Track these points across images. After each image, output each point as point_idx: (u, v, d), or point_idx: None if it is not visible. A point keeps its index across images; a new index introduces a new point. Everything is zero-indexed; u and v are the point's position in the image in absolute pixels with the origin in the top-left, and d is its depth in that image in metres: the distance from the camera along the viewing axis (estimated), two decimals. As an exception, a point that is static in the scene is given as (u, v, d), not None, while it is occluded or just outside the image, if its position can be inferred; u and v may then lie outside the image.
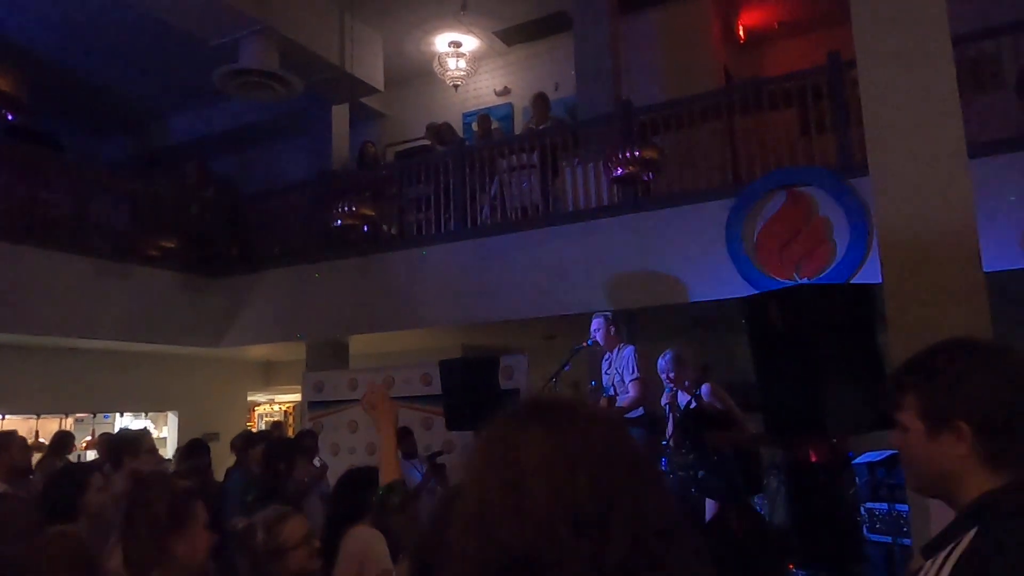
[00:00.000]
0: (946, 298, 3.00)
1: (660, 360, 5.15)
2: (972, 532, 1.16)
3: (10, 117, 4.91)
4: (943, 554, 1.17)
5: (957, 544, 1.16)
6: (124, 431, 7.53)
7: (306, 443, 6.43)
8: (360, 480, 3.17)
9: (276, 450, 5.12)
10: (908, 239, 3.11)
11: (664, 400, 5.27)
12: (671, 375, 5.08)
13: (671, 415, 5.19)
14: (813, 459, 4.02)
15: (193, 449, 5.72)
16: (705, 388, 4.99)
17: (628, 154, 5.90)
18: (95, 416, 9.63)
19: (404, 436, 6.67)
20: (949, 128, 3.12)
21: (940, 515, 1.36)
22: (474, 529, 0.87)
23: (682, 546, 0.88)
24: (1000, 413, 1.22)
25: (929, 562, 1.18)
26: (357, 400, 7.96)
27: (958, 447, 1.24)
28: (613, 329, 5.93)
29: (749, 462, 4.84)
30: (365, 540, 2.90)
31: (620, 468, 0.87)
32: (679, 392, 5.09)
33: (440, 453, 6.21)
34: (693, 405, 4.89)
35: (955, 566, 1.13)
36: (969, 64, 5.40)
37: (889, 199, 3.20)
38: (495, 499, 0.85)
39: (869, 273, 5.46)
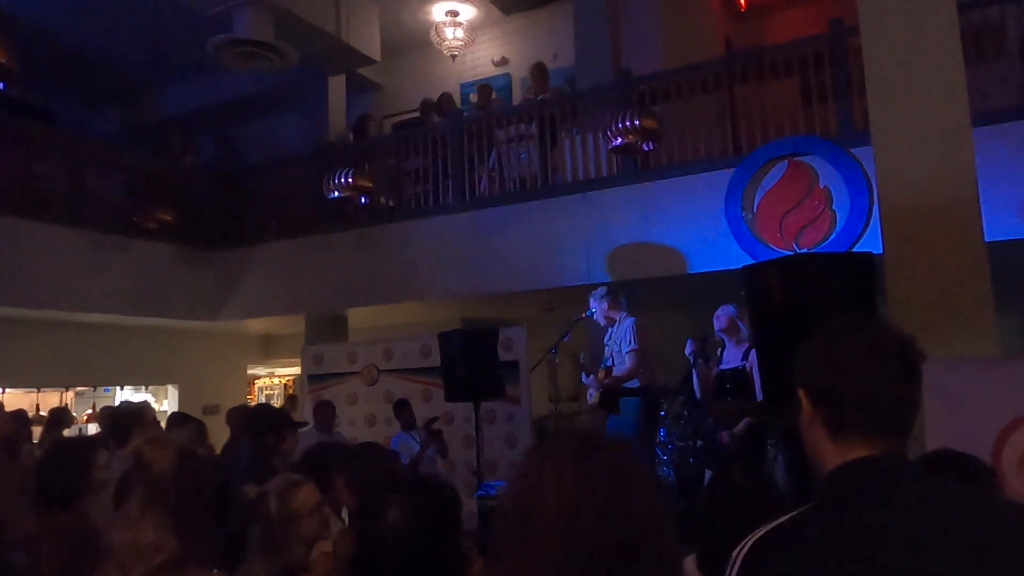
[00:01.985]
0: (947, 267, 2.99)
1: (721, 311, 5.18)
2: (802, 508, 1.15)
3: (1, 86, 4.84)
4: (762, 529, 1.15)
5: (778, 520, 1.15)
6: (126, 404, 7.54)
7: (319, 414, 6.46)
8: (323, 456, 3.16)
9: (261, 418, 4.88)
10: (909, 206, 3.09)
11: (688, 351, 5.34)
12: (726, 328, 5.14)
13: (696, 364, 5.27)
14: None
15: (185, 419, 5.69)
16: (755, 352, 5.06)
17: (627, 123, 5.84)
18: (96, 390, 9.66)
19: (403, 408, 6.71)
20: (953, 94, 3.09)
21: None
22: (518, 555, 1.05)
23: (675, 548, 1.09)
24: (825, 376, 1.19)
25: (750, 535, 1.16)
26: (356, 373, 8.01)
27: (806, 417, 1.22)
28: (613, 300, 5.93)
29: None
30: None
31: (641, 497, 1.05)
32: (725, 350, 5.17)
33: (436, 419, 6.23)
34: (742, 365, 4.93)
35: (752, 543, 1.13)
36: (972, 32, 5.33)
37: (891, 166, 3.17)
38: (544, 530, 1.02)
39: (869, 244, 5.43)
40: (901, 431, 1.18)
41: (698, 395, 5.47)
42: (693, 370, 5.54)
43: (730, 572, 1.12)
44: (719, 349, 5.42)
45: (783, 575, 1.06)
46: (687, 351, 5.58)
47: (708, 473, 4.70)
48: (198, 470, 1.86)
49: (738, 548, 1.13)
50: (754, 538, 1.12)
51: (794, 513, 1.14)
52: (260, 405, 9.20)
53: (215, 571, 1.86)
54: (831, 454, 1.18)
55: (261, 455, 4.06)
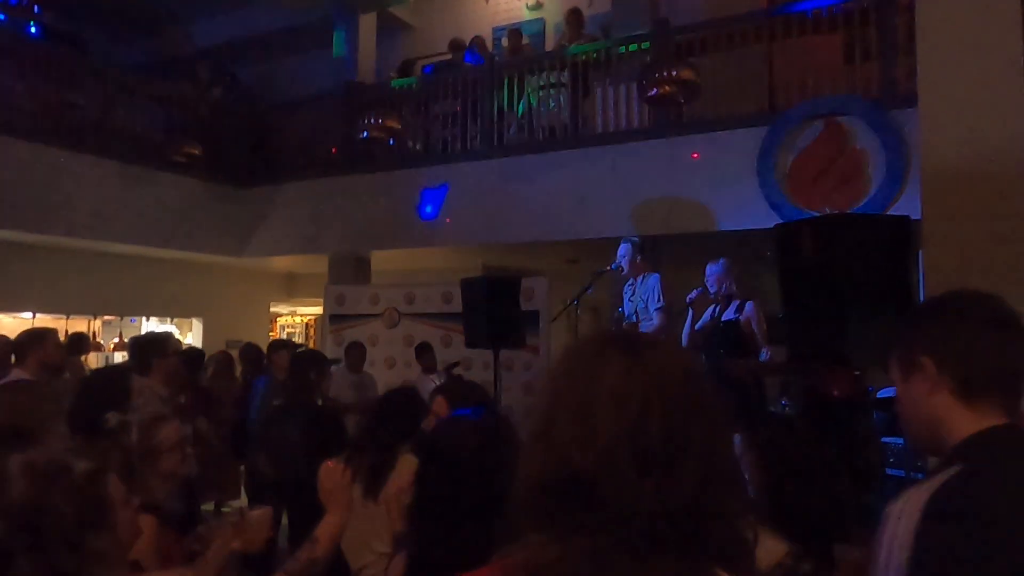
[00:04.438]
0: (987, 234, 2.92)
1: (711, 265, 5.15)
2: (955, 469, 1.15)
3: (36, 9, 4.81)
4: (925, 486, 1.15)
5: (938, 477, 1.15)
6: (150, 334, 7.68)
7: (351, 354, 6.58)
8: (404, 404, 3.16)
9: (305, 358, 4.92)
10: (952, 169, 3.02)
11: (689, 297, 5.29)
12: (715, 280, 5.09)
13: (692, 313, 5.23)
14: (835, 393, 4.01)
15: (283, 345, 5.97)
16: (750, 305, 5.01)
17: (664, 74, 5.71)
18: (122, 319, 9.84)
19: (424, 351, 6.77)
20: (1008, 54, 2.98)
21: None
22: (540, 446, 0.87)
23: (741, 497, 0.90)
24: (960, 344, 1.22)
25: (906, 494, 1.17)
26: (378, 315, 8.08)
27: (926, 385, 1.23)
28: (639, 256, 5.88)
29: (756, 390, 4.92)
30: (404, 465, 2.92)
31: (695, 412, 0.85)
32: (716, 305, 5.12)
33: (456, 364, 6.30)
34: (731, 318, 4.90)
35: (931, 495, 1.12)
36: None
37: (936, 127, 3.08)
38: (564, 420, 0.85)
39: (902, 209, 5.34)
40: (1020, 398, 1.21)
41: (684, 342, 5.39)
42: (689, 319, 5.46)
43: (896, 525, 1.12)
44: (713, 304, 5.33)
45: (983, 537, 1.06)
46: (688, 298, 5.49)
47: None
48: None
49: (901, 503, 1.14)
50: (926, 493, 1.13)
51: (945, 474, 1.14)
52: (294, 345, 9.33)
53: None
54: (961, 420, 1.20)
55: (302, 391, 4.13)
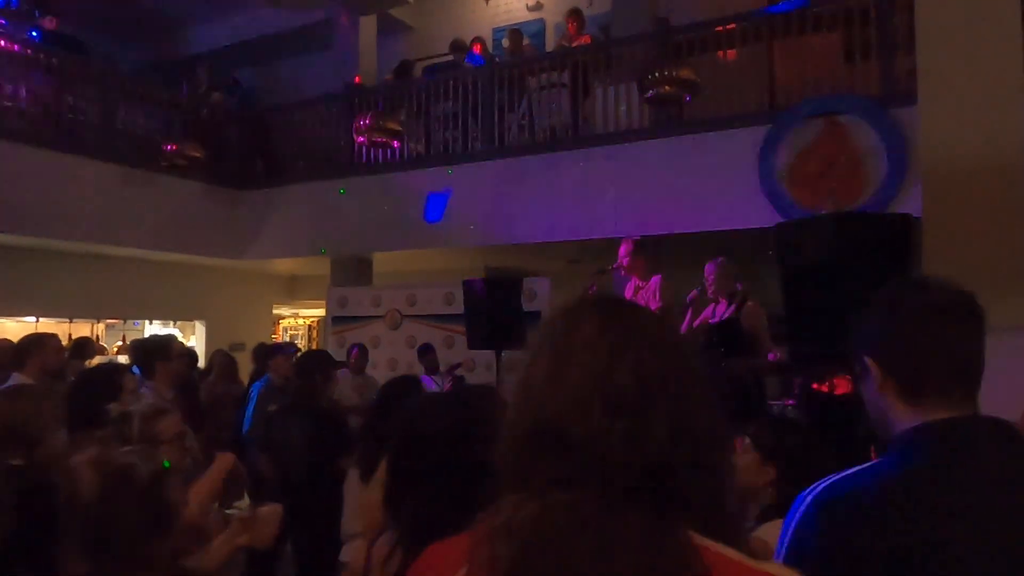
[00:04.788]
0: (987, 231, 2.93)
1: (709, 264, 5.15)
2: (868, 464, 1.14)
3: (36, 14, 4.82)
4: (833, 477, 1.14)
5: (849, 471, 1.14)
6: (153, 337, 7.70)
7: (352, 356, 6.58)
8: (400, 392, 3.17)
9: (312, 360, 4.79)
10: (952, 167, 3.02)
11: (688, 297, 5.28)
12: (712, 279, 5.09)
13: (690, 313, 5.23)
14: (837, 391, 4.01)
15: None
16: (749, 305, 5.00)
17: (664, 73, 5.71)
18: (125, 323, 9.86)
19: (427, 352, 6.78)
20: (1008, 52, 2.98)
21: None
22: (516, 397, 0.88)
23: (724, 457, 0.87)
24: (895, 341, 1.15)
25: (821, 483, 1.16)
26: (380, 316, 8.10)
27: (875, 384, 1.18)
28: (641, 255, 5.87)
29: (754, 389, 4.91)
30: None
31: (668, 359, 0.85)
32: (716, 304, 5.11)
33: (459, 365, 6.31)
34: (731, 317, 4.89)
35: (826, 485, 1.11)
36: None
37: (936, 124, 3.09)
38: (539, 372, 0.86)
39: (904, 207, 5.33)
40: (973, 390, 1.14)
41: None
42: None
43: (795, 515, 1.12)
44: (712, 303, 5.33)
45: (887, 528, 1.04)
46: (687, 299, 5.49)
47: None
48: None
49: (807, 491, 1.13)
50: (824, 483, 1.12)
51: (861, 467, 1.13)
52: (300, 348, 9.36)
53: None
54: (903, 417, 1.14)
55: (308, 393, 4.14)
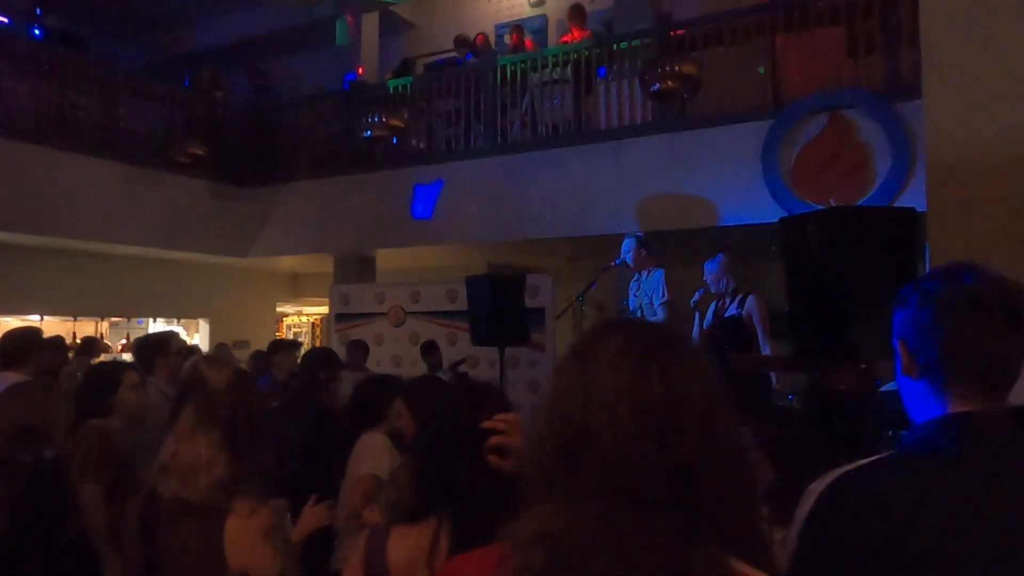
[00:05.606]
0: (993, 226, 2.91)
1: (709, 263, 5.14)
2: (885, 455, 1.13)
3: (37, 11, 4.82)
4: (845, 467, 1.12)
5: (861, 462, 1.12)
6: (153, 334, 7.71)
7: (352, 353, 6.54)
8: (377, 388, 3.21)
9: (316, 358, 4.71)
10: (957, 161, 3.00)
11: (693, 300, 5.28)
12: (715, 278, 5.09)
13: (698, 315, 5.23)
14: (842, 387, 3.99)
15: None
16: (751, 300, 4.99)
17: (667, 68, 5.69)
18: (129, 321, 9.87)
19: (431, 349, 6.78)
20: (1011, 38, 2.95)
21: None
22: (546, 407, 0.91)
23: (747, 466, 0.89)
24: (925, 328, 1.12)
25: (830, 473, 1.14)
26: (383, 314, 8.09)
27: (902, 368, 1.17)
28: (644, 251, 5.87)
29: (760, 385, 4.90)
30: (368, 445, 2.95)
31: (693, 369, 0.88)
32: (719, 301, 5.12)
33: (462, 361, 6.30)
34: (733, 313, 4.89)
35: (837, 477, 1.10)
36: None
37: (941, 118, 3.07)
38: (569, 381, 0.90)
39: (908, 201, 5.32)
40: (1000, 384, 1.11)
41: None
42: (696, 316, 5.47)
43: (805, 502, 1.10)
44: (715, 301, 5.34)
45: (894, 522, 1.03)
46: (692, 300, 5.50)
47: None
48: (251, 392, 2.04)
49: (817, 482, 1.12)
50: (836, 475, 1.10)
51: (873, 459, 1.11)
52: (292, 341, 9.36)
53: (271, 500, 1.93)
54: (929, 408, 1.13)
55: (312, 392, 4.14)
